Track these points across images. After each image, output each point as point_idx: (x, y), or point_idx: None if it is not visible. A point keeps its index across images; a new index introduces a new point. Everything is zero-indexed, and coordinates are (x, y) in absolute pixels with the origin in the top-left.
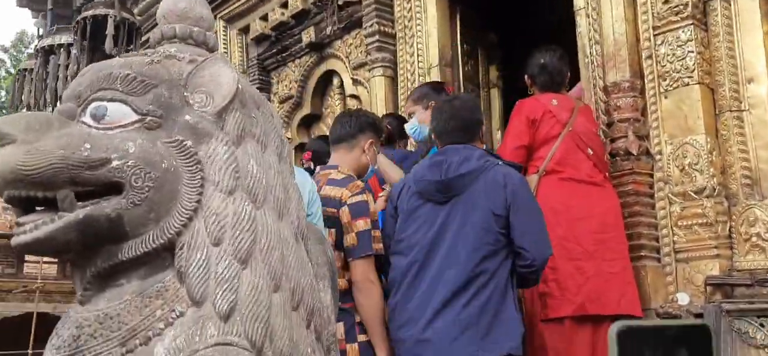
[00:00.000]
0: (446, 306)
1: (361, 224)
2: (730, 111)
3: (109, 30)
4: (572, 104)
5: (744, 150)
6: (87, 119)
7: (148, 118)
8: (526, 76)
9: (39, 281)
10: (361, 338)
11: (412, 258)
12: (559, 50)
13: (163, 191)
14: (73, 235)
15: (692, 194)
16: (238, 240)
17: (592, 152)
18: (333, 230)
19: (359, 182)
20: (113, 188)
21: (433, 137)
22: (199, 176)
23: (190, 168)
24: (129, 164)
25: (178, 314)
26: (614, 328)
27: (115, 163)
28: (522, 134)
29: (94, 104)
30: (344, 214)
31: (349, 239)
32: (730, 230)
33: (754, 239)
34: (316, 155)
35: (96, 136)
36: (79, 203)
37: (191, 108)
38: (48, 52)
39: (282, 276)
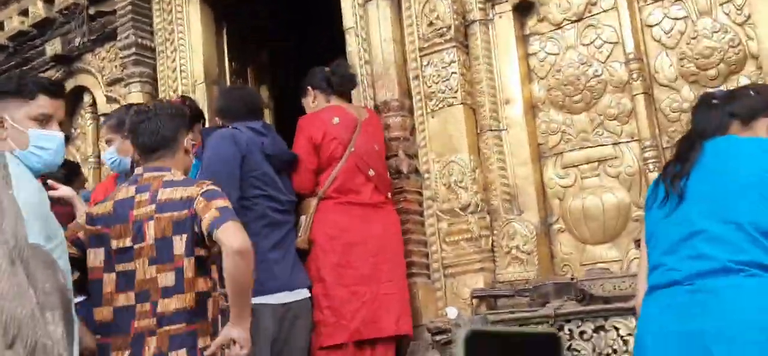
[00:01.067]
0: None
1: (219, 202)
2: (491, 130)
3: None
4: (355, 119)
5: (503, 168)
6: None
7: None
8: (308, 88)
9: None
10: None
11: None
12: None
13: None
14: None
15: (458, 210)
16: None
17: (373, 173)
18: (185, 235)
19: (204, 180)
20: None
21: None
22: None
23: None
24: None
25: None
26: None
27: None
28: (310, 158)
29: None
30: (199, 203)
31: (210, 216)
32: (492, 244)
33: (514, 252)
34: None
35: None
36: None
37: None
38: None
39: None
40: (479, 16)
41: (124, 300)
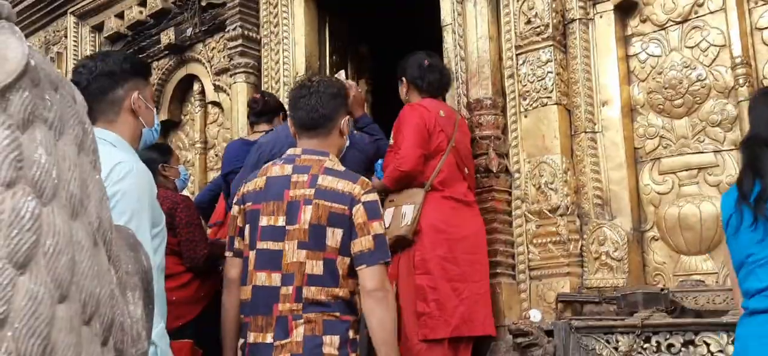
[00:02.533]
0: None
1: (377, 226)
2: (585, 132)
3: None
4: (455, 116)
5: (596, 171)
6: None
7: None
8: (403, 79)
9: None
10: None
11: None
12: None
13: None
14: None
15: (547, 212)
16: (15, 241)
17: (467, 172)
18: (339, 230)
19: (366, 179)
20: None
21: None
22: None
23: None
24: None
25: None
26: None
27: None
28: (424, 142)
29: None
30: (359, 214)
31: (365, 243)
32: (581, 248)
33: (603, 257)
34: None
35: None
36: None
37: None
38: None
39: (71, 285)
40: (579, 15)
41: (265, 279)
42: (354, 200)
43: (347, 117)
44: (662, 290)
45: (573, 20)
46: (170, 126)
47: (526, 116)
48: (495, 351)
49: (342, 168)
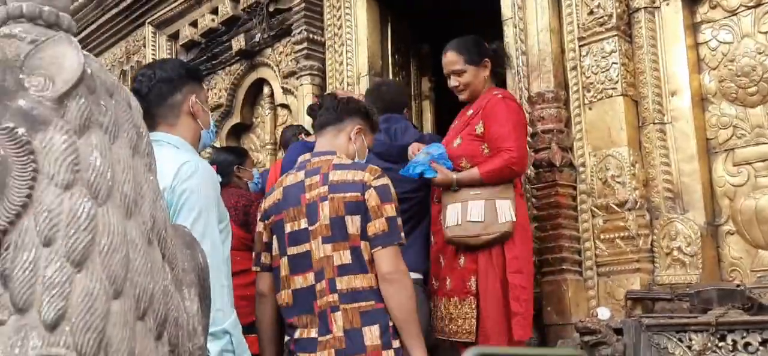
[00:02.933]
0: None
1: (389, 209)
2: (653, 123)
3: None
4: None
5: (666, 163)
6: None
7: None
8: (486, 60)
9: None
10: (396, 343)
11: None
12: None
13: None
14: None
15: (614, 206)
16: (72, 240)
17: None
18: (356, 216)
19: (375, 167)
20: None
21: None
22: (31, 168)
23: (20, 159)
24: None
25: None
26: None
27: None
28: (527, 135)
29: None
30: (372, 197)
31: (378, 226)
32: (651, 243)
33: (675, 253)
34: (221, 168)
35: None
36: None
37: (27, 92)
38: None
39: (125, 281)
40: (644, 4)
41: (301, 281)
42: (365, 185)
43: (358, 127)
44: (738, 286)
45: (638, 9)
46: (242, 129)
47: (590, 109)
48: None
49: (349, 161)
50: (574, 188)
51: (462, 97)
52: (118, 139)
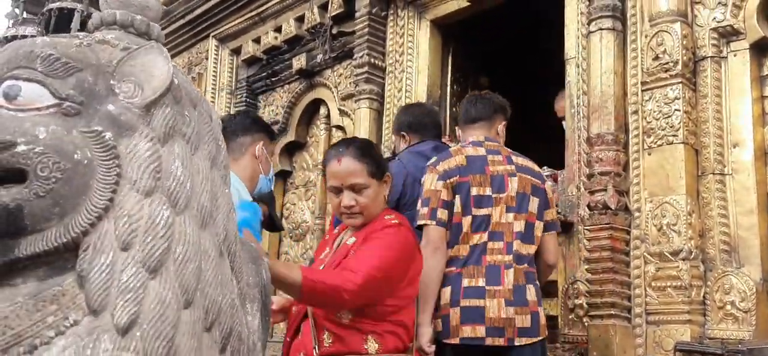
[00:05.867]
0: None
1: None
2: (713, 174)
3: (75, 24)
4: None
5: (724, 215)
6: None
7: (66, 103)
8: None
9: None
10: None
11: None
12: None
13: (72, 184)
14: None
15: (668, 255)
16: (149, 247)
17: None
18: (537, 199)
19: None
20: (17, 175)
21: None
22: (115, 173)
23: (106, 163)
24: (36, 150)
25: (71, 322)
26: None
27: (21, 147)
28: None
29: (8, 82)
30: (549, 189)
31: (552, 214)
32: (704, 296)
33: (728, 307)
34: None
35: (4, 116)
36: None
37: (117, 98)
38: (10, 41)
39: (196, 292)
40: (712, 53)
41: (477, 239)
42: (542, 176)
43: (504, 123)
44: None
45: (704, 58)
46: (296, 147)
47: (649, 154)
48: None
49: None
50: (628, 232)
51: (354, 222)
52: (198, 150)
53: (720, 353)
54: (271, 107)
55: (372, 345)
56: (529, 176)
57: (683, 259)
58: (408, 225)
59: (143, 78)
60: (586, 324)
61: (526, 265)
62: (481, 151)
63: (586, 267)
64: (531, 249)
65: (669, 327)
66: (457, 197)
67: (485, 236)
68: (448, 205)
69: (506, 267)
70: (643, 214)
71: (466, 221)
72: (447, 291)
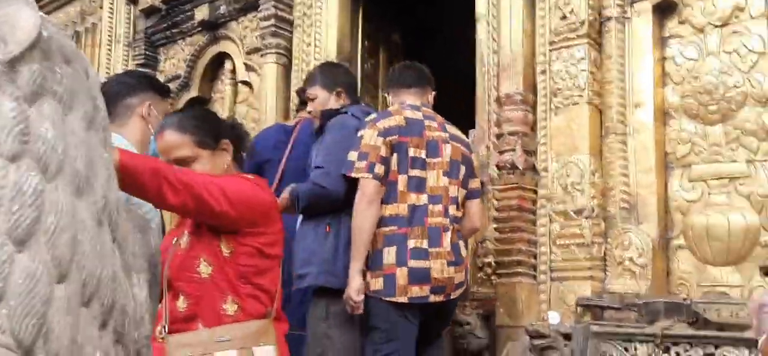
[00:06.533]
0: None
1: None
2: (616, 134)
3: None
4: None
5: (625, 174)
6: None
7: None
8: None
9: None
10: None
11: None
12: None
13: None
14: None
15: (572, 213)
16: (15, 217)
17: None
18: (463, 167)
19: None
20: None
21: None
22: None
23: None
24: None
25: None
26: None
27: None
28: None
29: None
30: (474, 159)
31: (475, 184)
32: (604, 252)
33: (626, 263)
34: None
35: None
36: None
37: None
38: None
39: (71, 264)
40: (616, 13)
41: (415, 199)
42: (469, 146)
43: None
44: (685, 300)
45: (609, 18)
46: (200, 103)
47: (556, 114)
48: (511, 353)
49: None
50: (535, 192)
51: None
52: (72, 110)
53: (617, 307)
54: (173, 61)
55: (231, 307)
56: (460, 145)
57: (586, 217)
58: (265, 186)
59: (6, 31)
60: (494, 282)
61: (456, 224)
62: (419, 115)
63: (495, 226)
64: (459, 213)
65: (572, 283)
66: (395, 155)
67: (424, 198)
68: (386, 161)
69: (445, 230)
70: (549, 173)
71: (402, 180)
72: (392, 251)
